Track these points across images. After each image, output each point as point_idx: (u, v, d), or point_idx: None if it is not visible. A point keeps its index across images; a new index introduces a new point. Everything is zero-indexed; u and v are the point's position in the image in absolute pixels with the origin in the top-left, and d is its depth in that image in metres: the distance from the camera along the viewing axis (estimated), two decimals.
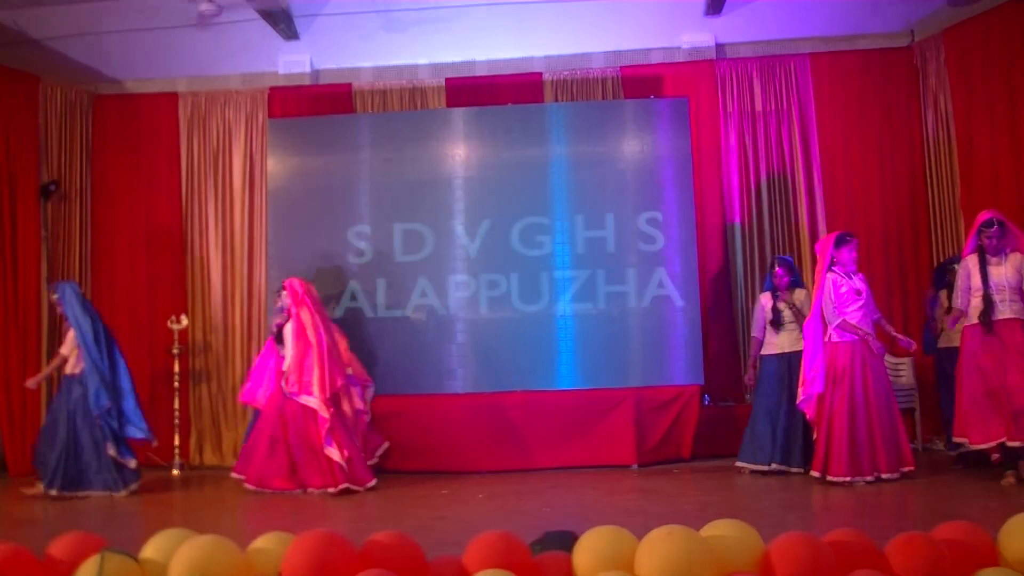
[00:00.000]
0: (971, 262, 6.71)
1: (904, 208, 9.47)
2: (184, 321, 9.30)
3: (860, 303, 6.93)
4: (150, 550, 3.04)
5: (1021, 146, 8.50)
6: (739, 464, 7.60)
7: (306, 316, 7.69)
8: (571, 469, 8.09)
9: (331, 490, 7.24)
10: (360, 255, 8.86)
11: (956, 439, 6.71)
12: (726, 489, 6.80)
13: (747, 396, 8.70)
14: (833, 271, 6.99)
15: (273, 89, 9.83)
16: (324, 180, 8.98)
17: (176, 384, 9.23)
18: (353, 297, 8.79)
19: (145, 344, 9.53)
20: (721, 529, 2.89)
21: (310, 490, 7.31)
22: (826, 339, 6.94)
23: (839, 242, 7.02)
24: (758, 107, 9.66)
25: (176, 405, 9.20)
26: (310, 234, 8.87)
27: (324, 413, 7.38)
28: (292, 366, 7.55)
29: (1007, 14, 8.63)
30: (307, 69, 9.88)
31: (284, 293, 7.85)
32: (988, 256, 6.63)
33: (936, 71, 9.41)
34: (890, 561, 2.66)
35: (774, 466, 7.40)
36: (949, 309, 7.41)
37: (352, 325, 8.67)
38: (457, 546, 2.94)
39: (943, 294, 7.95)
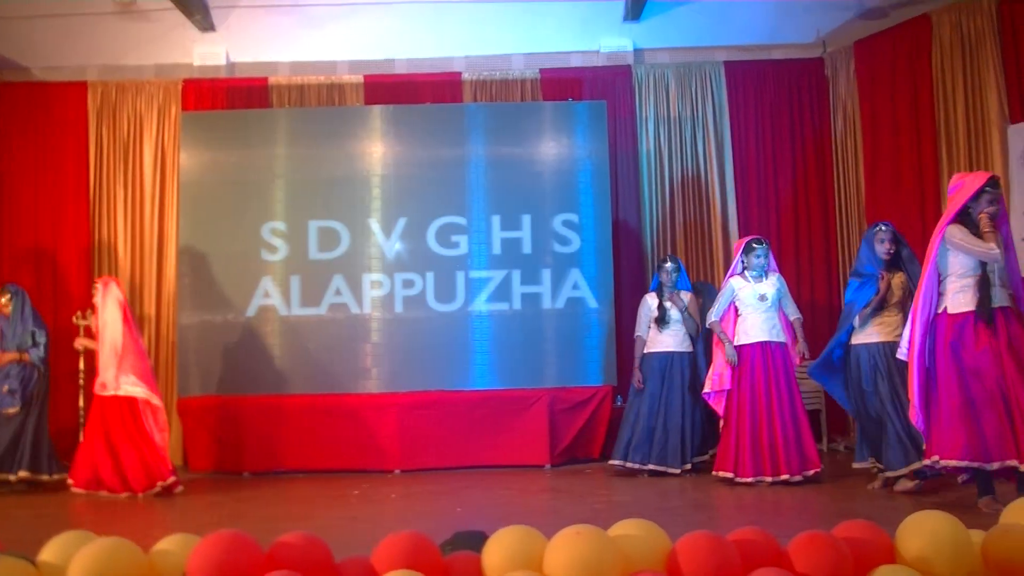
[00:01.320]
0: (958, 232, 5.32)
1: (814, 212, 9.74)
2: (91, 317, 9.04)
3: (765, 307, 6.95)
4: (48, 553, 2.95)
5: (924, 155, 8.82)
6: (614, 463, 7.56)
7: (114, 312, 7.43)
8: (485, 469, 8.11)
9: (159, 486, 7.08)
10: (274, 252, 8.74)
11: (929, 459, 5.26)
12: (636, 489, 6.87)
13: (618, 400, 8.54)
14: (740, 275, 7.08)
15: (187, 81, 9.64)
16: (238, 175, 8.83)
17: (81, 382, 8.97)
18: (266, 294, 8.67)
19: (50, 341, 9.24)
20: (629, 528, 2.93)
21: (139, 494, 7.07)
22: (734, 340, 7.01)
23: (747, 249, 7.09)
24: (674, 112, 9.81)
25: (81, 403, 8.94)
26: (223, 230, 8.72)
27: (155, 401, 7.23)
28: (106, 363, 7.29)
29: (914, 29, 8.95)
30: (223, 62, 9.71)
31: (99, 287, 7.60)
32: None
33: (846, 81, 9.69)
34: (792, 559, 2.72)
35: (650, 466, 7.43)
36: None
37: (265, 323, 8.58)
38: (369, 547, 2.93)
39: None
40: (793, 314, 7.11)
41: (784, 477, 6.62)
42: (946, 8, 8.70)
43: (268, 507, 6.58)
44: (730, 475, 6.76)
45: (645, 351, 7.72)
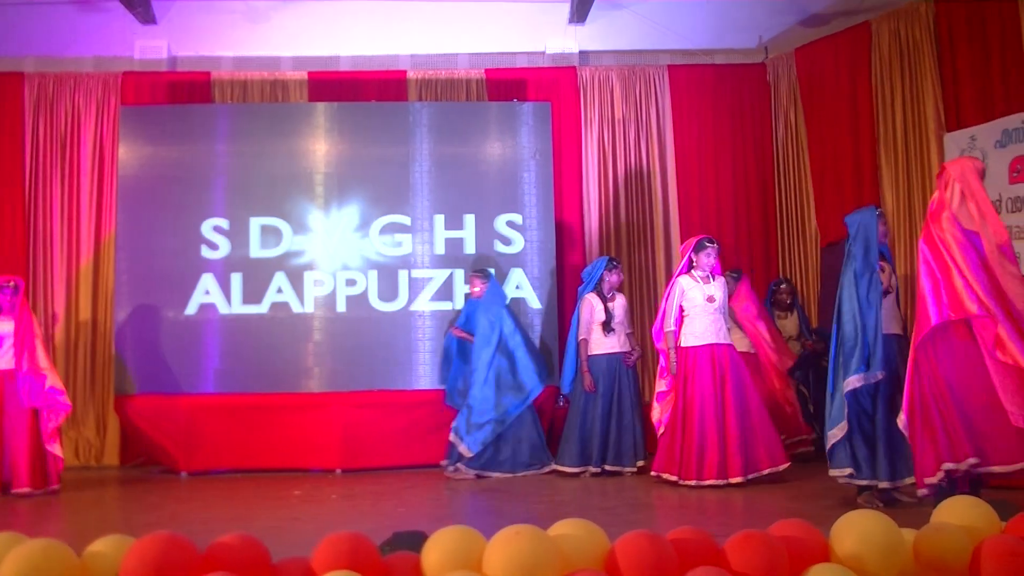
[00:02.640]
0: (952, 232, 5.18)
1: (755, 216, 9.87)
2: None
3: (713, 308, 6.95)
4: None
5: (863, 159, 8.99)
6: (560, 468, 7.56)
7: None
8: (426, 469, 8.08)
9: (41, 490, 7.01)
10: (215, 249, 8.63)
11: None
12: (577, 489, 6.91)
13: (560, 400, 8.37)
14: (688, 275, 7.05)
15: (127, 74, 9.46)
16: (179, 171, 8.70)
17: None
18: (207, 292, 8.56)
19: None
20: (568, 528, 2.94)
21: (15, 491, 6.99)
22: (680, 341, 6.98)
23: (699, 247, 7.07)
24: (618, 114, 9.87)
25: None
26: (162, 226, 8.59)
27: (66, 400, 7.17)
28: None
29: (854, 36, 9.11)
30: (164, 56, 9.56)
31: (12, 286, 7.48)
32: None
33: (787, 87, 9.83)
34: (729, 558, 2.75)
35: (606, 467, 7.47)
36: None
37: (205, 321, 8.47)
38: (309, 548, 2.91)
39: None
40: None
41: (736, 480, 6.57)
42: (885, 16, 8.87)
43: (206, 508, 6.50)
44: (674, 478, 6.75)
45: (592, 353, 7.69)
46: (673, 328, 7.01)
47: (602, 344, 7.66)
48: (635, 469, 7.42)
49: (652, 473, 6.97)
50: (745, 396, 6.84)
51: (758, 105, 9.99)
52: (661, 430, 7.07)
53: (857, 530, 2.79)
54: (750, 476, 6.62)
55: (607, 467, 7.45)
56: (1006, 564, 2.66)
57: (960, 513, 2.96)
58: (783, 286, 8.70)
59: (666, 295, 7.19)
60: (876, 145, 8.91)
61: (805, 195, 9.67)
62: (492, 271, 8.35)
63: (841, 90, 9.24)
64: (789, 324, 8.54)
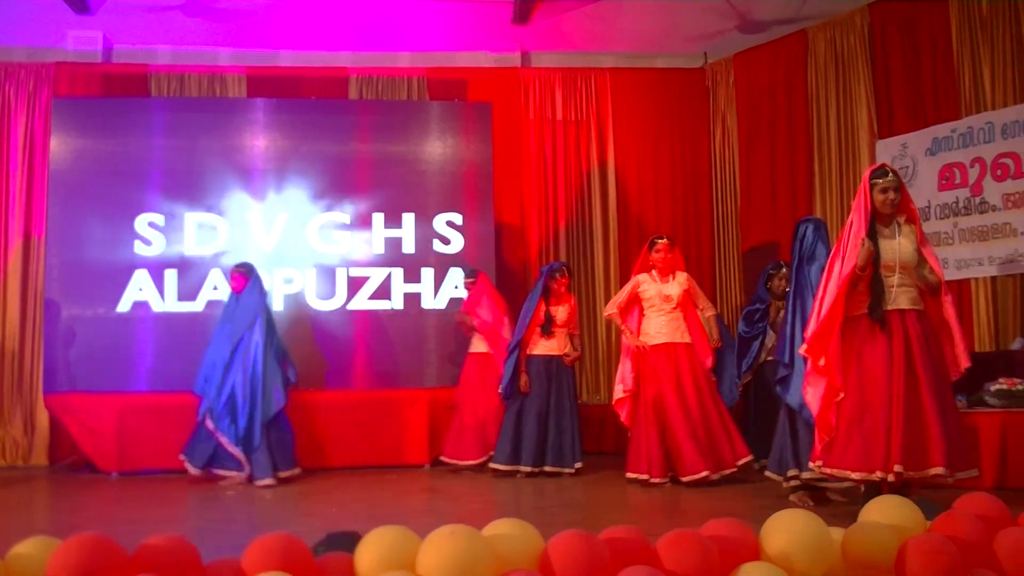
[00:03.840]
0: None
1: (691, 219, 10.00)
2: None
3: (668, 307, 6.89)
4: None
5: (797, 165, 9.16)
6: (495, 466, 7.51)
7: None
8: (364, 469, 8.03)
9: None
10: (149, 245, 8.49)
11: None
12: (514, 489, 6.91)
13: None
14: (646, 274, 6.99)
15: (60, 65, 9.27)
16: (113, 165, 8.55)
17: None
18: (140, 289, 8.42)
19: None
20: (503, 528, 2.94)
21: None
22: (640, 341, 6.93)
23: (650, 246, 7.01)
24: (559, 116, 9.93)
25: None
26: (95, 221, 8.43)
27: None
28: None
29: (792, 43, 9.28)
30: (99, 47, 9.38)
31: None
32: (880, 226, 5.00)
33: (725, 92, 9.98)
34: (661, 557, 2.77)
35: (548, 468, 7.44)
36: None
37: (138, 318, 8.33)
38: (242, 549, 2.87)
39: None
40: (707, 310, 7.03)
41: (693, 477, 6.55)
42: (822, 25, 9.04)
43: (137, 509, 6.38)
44: (644, 476, 6.70)
45: (530, 353, 7.63)
46: (614, 311, 7.01)
47: (540, 346, 7.66)
48: (573, 471, 7.43)
49: (627, 475, 6.92)
50: (703, 394, 6.80)
51: (697, 110, 10.12)
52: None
53: (786, 529, 2.82)
54: (725, 472, 6.62)
55: (547, 468, 7.45)
56: (930, 562, 2.72)
57: (887, 512, 3.02)
58: (783, 271, 7.37)
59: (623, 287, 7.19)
60: (810, 151, 9.08)
61: (738, 200, 9.82)
62: (255, 266, 7.81)
63: (778, 96, 9.40)
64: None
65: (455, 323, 8.37)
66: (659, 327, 6.90)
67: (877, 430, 4.76)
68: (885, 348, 4.82)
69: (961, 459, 4.76)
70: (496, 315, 7.98)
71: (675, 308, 6.90)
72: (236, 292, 7.62)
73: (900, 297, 4.91)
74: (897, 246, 4.93)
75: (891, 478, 4.67)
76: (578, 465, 7.45)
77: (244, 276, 7.59)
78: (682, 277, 7.02)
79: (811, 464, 5.13)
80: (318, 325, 8.56)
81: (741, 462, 6.72)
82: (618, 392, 7.03)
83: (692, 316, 7.01)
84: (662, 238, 7.05)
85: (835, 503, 5.61)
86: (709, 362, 6.93)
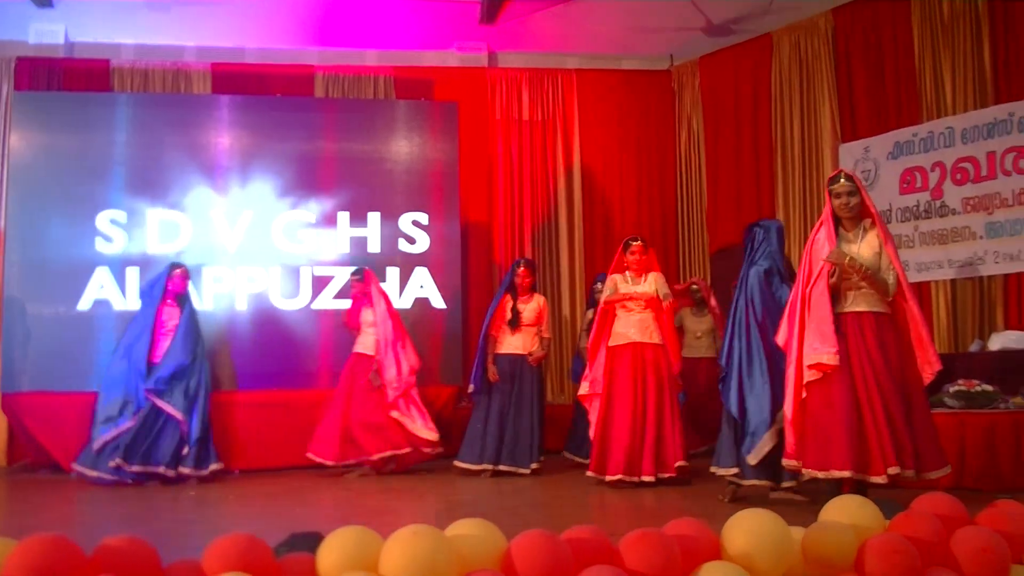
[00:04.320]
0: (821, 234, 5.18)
1: (656, 220, 10.07)
2: None
3: (639, 307, 6.87)
4: None
5: (762, 167, 9.24)
6: (459, 464, 7.51)
7: None
8: (326, 469, 7.99)
9: None
10: (110, 242, 8.40)
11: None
12: (478, 489, 6.90)
13: (462, 401, 8.44)
14: (621, 275, 6.96)
15: (21, 59, 9.15)
16: (74, 160, 8.43)
17: None
18: (101, 287, 8.32)
19: None
20: (466, 528, 2.94)
21: None
22: (609, 342, 6.92)
23: (624, 247, 6.99)
24: (525, 116, 9.94)
25: None
26: (56, 217, 8.31)
27: None
28: None
29: (757, 46, 9.37)
30: (61, 41, 9.27)
31: None
32: (844, 231, 5.15)
33: (691, 95, 10.04)
34: (623, 557, 2.78)
35: (502, 467, 7.44)
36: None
37: (99, 317, 8.22)
38: (203, 550, 2.85)
39: None
40: (666, 298, 6.93)
41: (648, 478, 6.55)
42: (787, 29, 9.12)
43: (97, 509, 6.31)
44: (603, 476, 6.69)
45: (496, 352, 7.65)
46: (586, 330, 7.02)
47: (506, 344, 7.66)
48: (528, 471, 7.42)
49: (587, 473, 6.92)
50: (662, 397, 6.78)
51: (663, 111, 10.19)
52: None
53: (747, 528, 2.85)
54: (660, 476, 6.60)
55: (502, 468, 7.44)
56: (889, 560, 2.75)
57: (847, 512, 3.05)
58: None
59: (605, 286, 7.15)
60: (774, 153, 9.16)
61: (703, 202, 9.89)
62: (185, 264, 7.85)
63: (743, 99, 9.48)
64: None
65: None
66: (627, 327, 6.89)
67: (837, 431, 4.86)
68: (842, 351, 4.91)
69: (928, 460, 4.86)
70: (391, 323, 7.81)
71: (645, 309, 6.90)
72: (181, 292, 7.68)
73: (858, 300, 5.01)
74: (857, 249, 5.03)
75: (881, 479, 4.77)
76: (534, 466, 7.44)
77: (187, 277, 7.74)
78: (652, 277, 6.98)
79: (784, 461, 5.25)
80: (282, 325, 8.49)
81: (677, 464, 6.65)
82: (583, 388, 7.04)
83: (665, 318, 6.98)
84: (636, 239, 7.04)
85: (798, 504, 5.67)
86: (677, 367, 6.91)
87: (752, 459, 5.65)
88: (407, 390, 7.70)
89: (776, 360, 5.60)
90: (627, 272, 6.99)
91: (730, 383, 5.81)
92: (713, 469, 6.00)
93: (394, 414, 7.60)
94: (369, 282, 7.95)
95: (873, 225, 5.11)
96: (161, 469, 7.23)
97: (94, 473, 7.19)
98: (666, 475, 6.61)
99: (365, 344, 7.85)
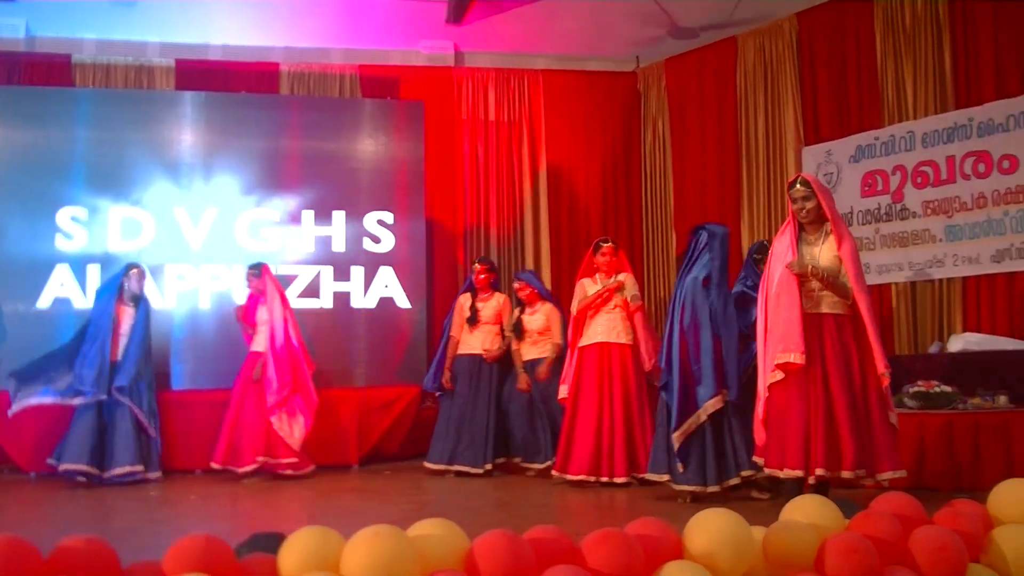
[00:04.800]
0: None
1: (622, 222, 10.09)
2: None
3: (607, 308, 6.85)
4: None
5: (727, 169, 9.30)
6: (427, 465, 7.53)
7: None
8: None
9: None
10: (71, 239, 8.30)
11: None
12: (443, 489, 6.90)
13: (426, 402, 8.37)
14: (591, 278, 6.98)
15: None
16: (34, 156, 8.31)
17: None
18: (61, 285, 8.22)
19: None
20: (428, 528, 2.93)
21: None
22: (579, 341, 6.91)
23: (595, 249, 7.00)
24: (492, 116, 9.94)
25: None
26: (14, 214, 8.21)
27: None
28: None
29: (722, 49, 9.43)
30: (22, 35, 9.14)
31: None
32: (806, 234, 5.29)
33: (656, 97, 10.09)
34: (586, 556, 2.78)
35: (456, 467, 7.44)
36: None
37: (59, 315, 8.11)
38: (163, 551, 2.82)
39: None
40: (634, 301, 6.90)
41: (620, 479, 6.56)
42: (751, 32, 9.19)
43: (56, 510, 6.23)
44: (567, 476, 6.70)
45: (458, 352, 7.68)
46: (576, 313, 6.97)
47: (465, 343, 7.68)
48: (481, 471, 7.41)
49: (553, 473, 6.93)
50: (629, 397, 6.77)
51: (629, 113, 10.22)
52: None
53: (709, 528, 2.86)
54: (634, 476, 6.60)
55: (455, 467, 7.44)
56: (848, 559, 2.78)
57: (807, 511, 3.08)
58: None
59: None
60: (739, 155, 9.23)
61: (669, 203, 9.93)
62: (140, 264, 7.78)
63: (707, 102, 9.54)
64: None
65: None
66: (596, 327, 6.90)
67: (796, 431, 4.97)
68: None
69: (882, 461, 4.93)
70: (284, 323, 7.66)
71: (614, 308, 6.90)
72: (138, 293, 7.61)
73: (821, 302, 5.12)
74: (818, 252, 5.15)
75: (811, 479, 4.90)
76: (488, 466, 7.45)
77: (144, 277, 7.70)
78: (622, 277, 6.98)
79: (755, 458, 5.38)
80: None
81: (639, 476, 6.59)
82: (562, 391, 7.03)
83: (638, 316, 6.96)
84: (607, 241, 7.05)
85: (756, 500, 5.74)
86: (648, 364, 6.87)
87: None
88: (288, 399, 7.50)
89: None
90: (597, 275, 7.01)
91: (672, 385, 5.86)
92: (646, 475, 6.15)
93: (273, 419, 7.42)
94: (264, 277, 7.76)
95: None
96: (118, 470, 7.14)
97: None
98: (641, 475, 6.57)
99: (259, 342, 7.69)
